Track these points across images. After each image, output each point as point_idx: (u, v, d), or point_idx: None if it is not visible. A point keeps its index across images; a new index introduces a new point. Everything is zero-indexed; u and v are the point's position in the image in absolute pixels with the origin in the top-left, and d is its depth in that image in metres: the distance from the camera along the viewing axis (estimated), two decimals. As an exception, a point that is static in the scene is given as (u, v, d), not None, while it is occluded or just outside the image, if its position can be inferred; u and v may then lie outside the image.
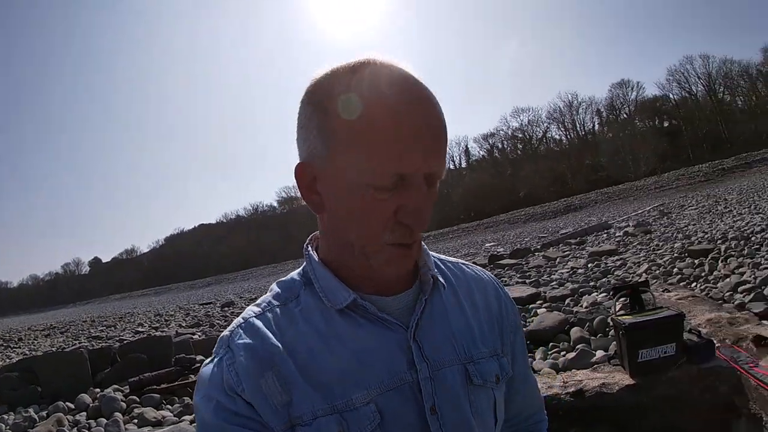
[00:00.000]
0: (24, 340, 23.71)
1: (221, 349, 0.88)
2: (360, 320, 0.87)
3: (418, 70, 0.81)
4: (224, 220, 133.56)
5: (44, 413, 6.53)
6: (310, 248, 0.97)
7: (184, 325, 16.64)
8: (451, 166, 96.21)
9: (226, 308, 20.62)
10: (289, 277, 0.98)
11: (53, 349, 15.65)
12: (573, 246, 14.99)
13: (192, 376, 6.97)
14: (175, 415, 5.69)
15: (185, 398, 6.21)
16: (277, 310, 0.90)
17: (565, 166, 76.93)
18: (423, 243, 0.94)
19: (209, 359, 0.88)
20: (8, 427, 6.16)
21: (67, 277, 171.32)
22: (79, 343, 16.34)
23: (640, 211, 24.88)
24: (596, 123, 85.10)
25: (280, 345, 0.84)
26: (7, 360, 13.51)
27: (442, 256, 1.07)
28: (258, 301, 0.95)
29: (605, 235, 16.07)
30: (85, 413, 6.36)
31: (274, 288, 0.96)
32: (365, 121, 0.75)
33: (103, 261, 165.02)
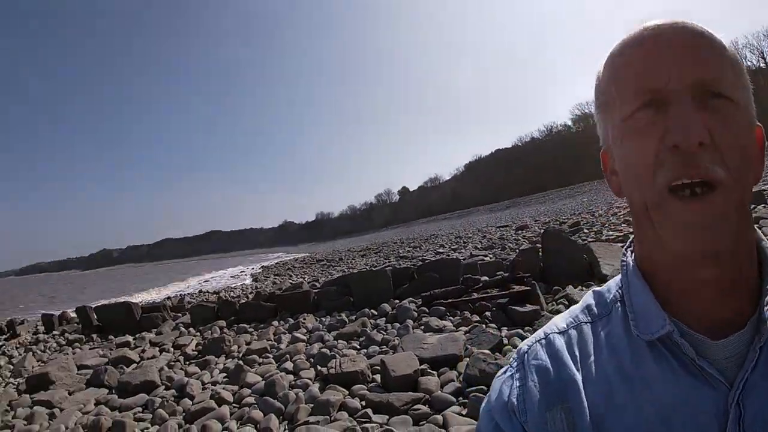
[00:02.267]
0: (344, 259, 28.18)
1: (516, 362, 0.83)
2: (672, 362, 0.70)
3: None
4: (519, 144, 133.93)
5: (353, 317, 8.18)
6: (627, 252, 0.82)
7: (479, 247, 17.91)
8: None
9: (520, 231, 21.38)
10: (606, 285, 0.85)
11: (367, 267, 18.44)
12: None
13: (474, 294, 7.83)
14: (453, 326, 6.62)
15: (465, 312, 7.09)
16: (584, 327, 0.80)
17: None
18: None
19: (505, 368, 0.85)
20: (324, 326, 7.92)
21: (380, 206, 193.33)
22: (389, 261, 18.88)
23: None
24: None
25: (577, 376, 0.75)
26: (329, 276, 16.52)
27: None
28: (567, 313, 0.85)
29: None
30: (384, 318, 7.79)
31: (588, 299, 0.85)
32: (612, 59, 0.73)
33: (410, 189, 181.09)
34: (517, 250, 11.51)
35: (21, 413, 6.00)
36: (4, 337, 15.68)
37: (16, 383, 7.79)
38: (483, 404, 0.83)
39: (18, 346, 12.55)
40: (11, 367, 9.31)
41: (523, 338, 5.38)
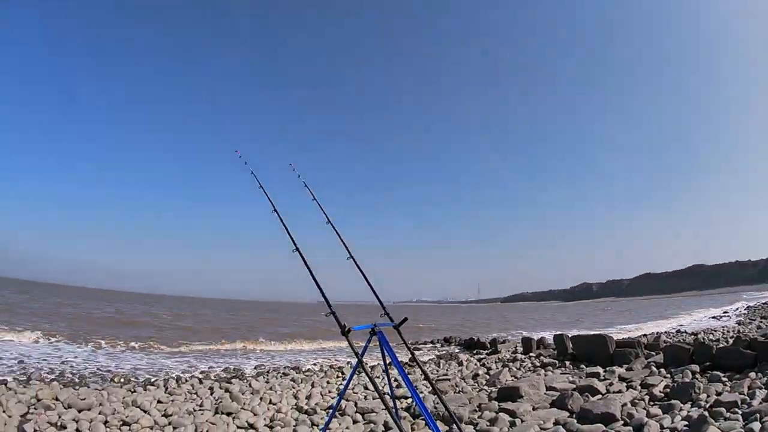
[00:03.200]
0: None
1: None
2: None
3: None
4: None
5: None
6: None
7: None
8: None
9: None
10: None
11: None
12: None
13: None
14: None
15: None
16: None
17: None
18: None
19: None
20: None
21: None
22: None
23: None
24: None
25: None
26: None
27: None
28: None
29: None
30: None
31: None
32: None
33: None
34: None
35: (486, 415, 7.36)
36: (487, 352, 18.52)
37: (488, 391, 9.35)
38: None
39: (497, 361, 14.60)
40: (488, 377, 11.11)
41: None
